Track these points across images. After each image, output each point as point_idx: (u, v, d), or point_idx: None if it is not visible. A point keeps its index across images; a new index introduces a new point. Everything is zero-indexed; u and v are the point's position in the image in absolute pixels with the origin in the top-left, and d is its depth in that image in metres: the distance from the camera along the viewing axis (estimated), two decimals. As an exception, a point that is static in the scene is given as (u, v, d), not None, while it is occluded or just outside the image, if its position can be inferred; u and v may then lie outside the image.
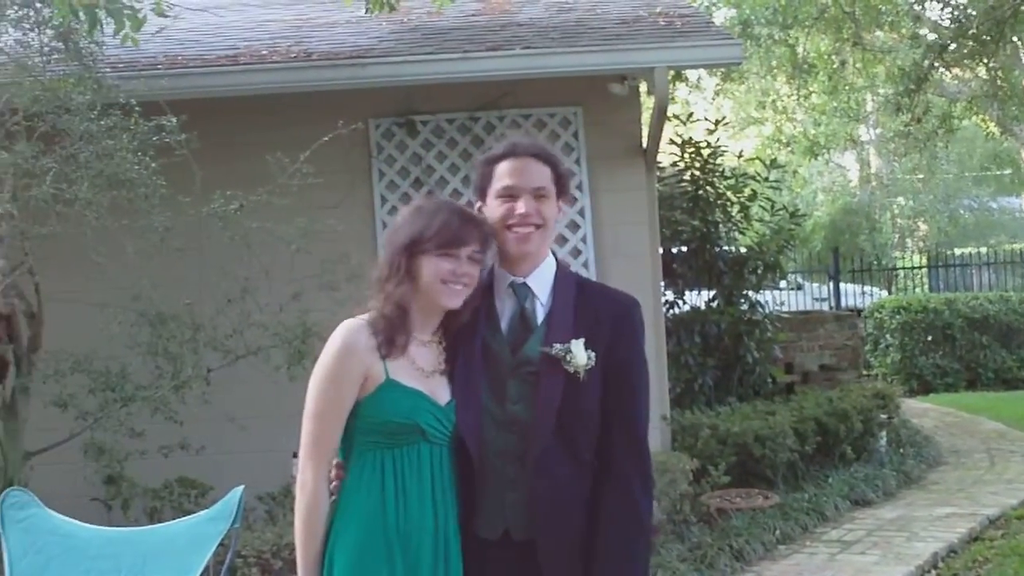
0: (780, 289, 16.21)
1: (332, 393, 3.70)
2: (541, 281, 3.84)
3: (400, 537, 3.64)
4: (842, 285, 22.63)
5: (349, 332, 3.74)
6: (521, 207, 3.75)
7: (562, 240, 9.63)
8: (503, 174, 3.79)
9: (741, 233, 13.24)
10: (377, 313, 3.74)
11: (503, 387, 3.75)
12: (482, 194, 3.87)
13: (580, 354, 3.68)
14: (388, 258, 3.80)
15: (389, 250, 3.81)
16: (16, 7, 7.61)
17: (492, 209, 3.80)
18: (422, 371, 3.76)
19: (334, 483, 3.76)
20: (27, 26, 7.66)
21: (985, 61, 19.53)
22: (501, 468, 3.71)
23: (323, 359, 3.74)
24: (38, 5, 7.57)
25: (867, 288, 23.75)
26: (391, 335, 3.70)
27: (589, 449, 3.74)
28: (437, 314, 3.82)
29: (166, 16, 7.90)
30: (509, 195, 3.76)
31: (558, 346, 3.70)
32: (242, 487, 5.23)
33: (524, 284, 3.83)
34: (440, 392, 3.76)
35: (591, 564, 3.67)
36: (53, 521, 5.38)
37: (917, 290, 24.39)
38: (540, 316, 3.81)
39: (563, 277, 3.89)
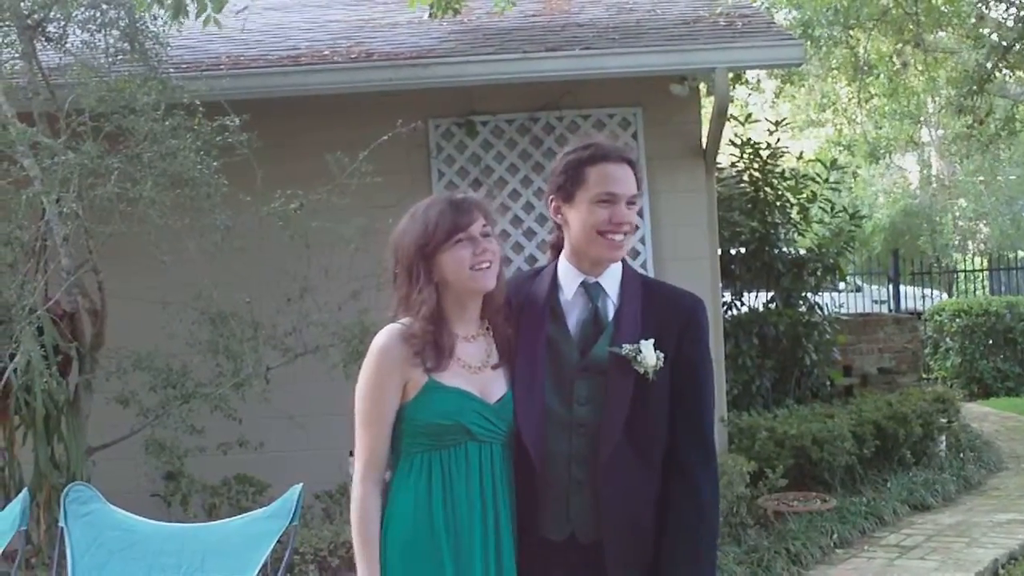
0: (839, 291, 16.04)
1: (374, 399, 3.68)
2: (611, 281, 3.80)
3: (449, 537, 3.61)
4: (902, 288, 22.39)
5: (385, 340, 3.69)
6: (621, 214, 3.70)
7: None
8: (604, 179, 3.69)
9: (800, 235, 13.19)
10: (412, 324, 3.67)
11: (570, 388, 3.70)
12: (567, 196, 3.74)
13: (650, 355, 3.64)
14: (404, 269, 3.72)
15: (403, 262, 3.72)
16: (83, 8, 7.70)
17: (586, 213, 3.70)
18: (469, 367, 3.71)
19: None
20: (93, 27, 7.75)
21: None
22: (567, 471, 3.67)
23: (364, 366, 3.72)
24: (104, 6, 7.65)
25: (927, 291, 23.52)
26: (436, 343, 3.64)
27: (659, 451, 3.70)
28: (474, 303, 3.77)
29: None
30: (610, 201, 3.69)
31: (628, 347, 3.65)
32: (300, 485, 5.24)
33: (597, 284, 3.78)
34: (491, 388, 3.71)
35: (658, 560, 3.65)
36: (115, 516, 5.41)
37: (978, 293, 24.07)
38: (610, 316, 3.76)
39: (629, 277, 3.85)
